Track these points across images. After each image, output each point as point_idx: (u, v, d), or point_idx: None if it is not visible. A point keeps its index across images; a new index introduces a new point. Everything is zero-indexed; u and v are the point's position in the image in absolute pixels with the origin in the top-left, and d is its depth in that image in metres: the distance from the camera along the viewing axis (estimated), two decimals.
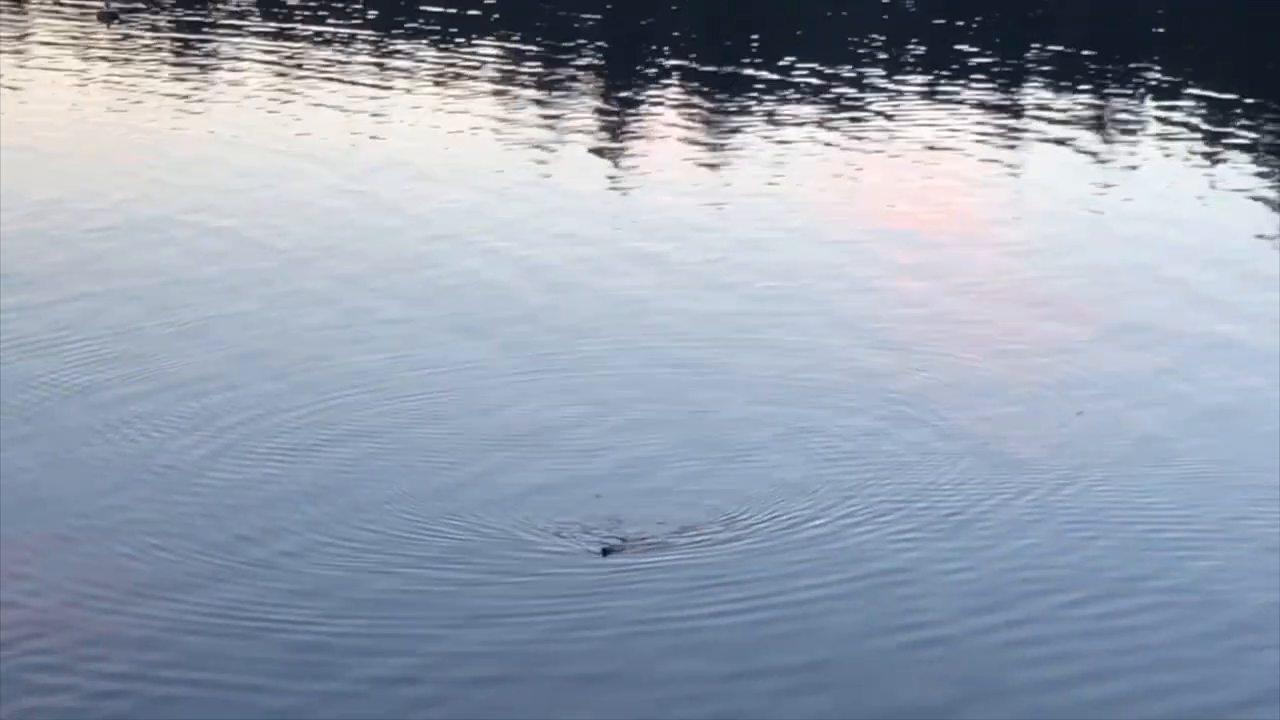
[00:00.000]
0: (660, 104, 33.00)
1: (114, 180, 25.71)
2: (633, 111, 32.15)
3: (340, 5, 44.77)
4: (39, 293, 20.54)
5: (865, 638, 12.53)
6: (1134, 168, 27.02)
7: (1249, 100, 31.90)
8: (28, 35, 41.46)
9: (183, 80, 34.61)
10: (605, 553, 13.65)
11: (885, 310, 20.02)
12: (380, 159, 27.53)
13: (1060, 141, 28.66)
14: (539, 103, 32.69)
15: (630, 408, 17.19)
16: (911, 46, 38.25)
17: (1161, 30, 41.59)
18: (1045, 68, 35.72)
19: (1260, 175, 26.39)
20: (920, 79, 34.65)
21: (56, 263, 21.82)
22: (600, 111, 32.09)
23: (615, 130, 30.32)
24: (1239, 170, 26.65)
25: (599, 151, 28.49)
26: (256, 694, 11.93)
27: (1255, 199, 24.93)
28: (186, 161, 27.02)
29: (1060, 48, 37.39)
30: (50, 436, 16.14)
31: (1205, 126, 29.70)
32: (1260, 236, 23.13)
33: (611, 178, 26.82)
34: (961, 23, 41.73)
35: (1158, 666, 12.24)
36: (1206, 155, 27.61)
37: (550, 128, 30.19)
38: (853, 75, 34.49)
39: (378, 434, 16.25)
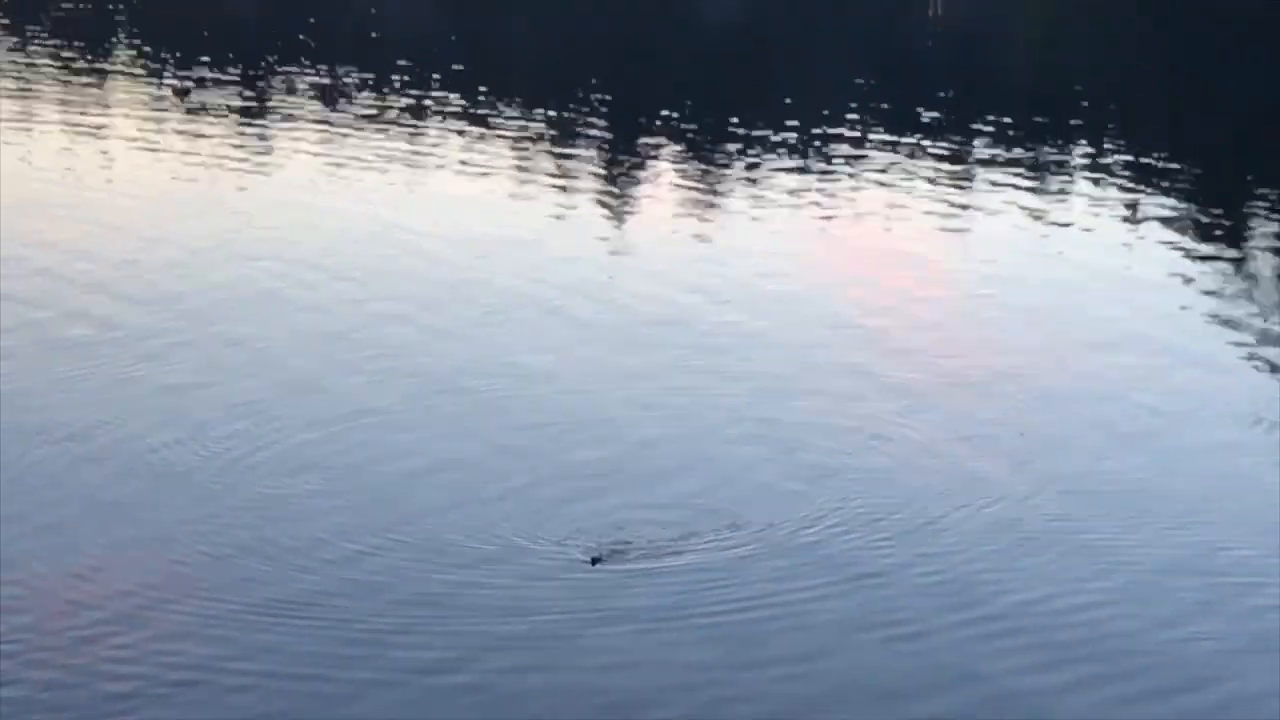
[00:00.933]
0: (655, 162, 33.09)
1: (197, 233, 25.67)
2: (630, 172, 32.19)
3: (369, 80, 44.78)
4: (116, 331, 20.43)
5: (849, 633, 12.60)
6: (1068, 222, 26.96)
7: (1168, 163, 31.86)
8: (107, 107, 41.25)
9: (244, 149, 34.21)
10: (594, 562, 13.59)
11: (854, 346, 19.97)
12: (417, 219, 27.48)
13: (1005, 197, 28.68)
14: (553, 170, 32.42)
15: (627, 434, 17.04)
16: (871, 118, 37.95)
17: (1086, 104, 41.45)
18: (990, 132, 35.30)
19: (1173, 227, 26.46)
20: (882, 142, 34.51)
21: (145, 302, 21.66)
22: (605, 170, 32.24)
23: (618, 189, 30.40)
24: (1156, 221, 26.69)
25: (607, 206, 28.73)
26: (312, 682, 11.94)
27: (1172, 246, 25.11)
28: (253, 214, 27.28)
29: (1004, 117, 37.22)
30: (126, 458, 16.06)
31: (1128, 184, 29.82)
32: (1175, 274, 23.33)
33: (615, 227, 27.08)
34: (915, 95, 41.52)
35: (1105, 655, 12.28)
36: (1128, 206, 27.77)
37: (560, 188, 30.12)
38: (822, 139, 34.50)
39: (408, 456, 16.14)
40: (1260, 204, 28.73)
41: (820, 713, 11.52)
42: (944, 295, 22.73)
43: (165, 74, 46.71)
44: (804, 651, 12.35)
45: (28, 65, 48.97)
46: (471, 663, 12.36)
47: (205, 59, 49.01)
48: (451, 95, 41.59)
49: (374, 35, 56.67)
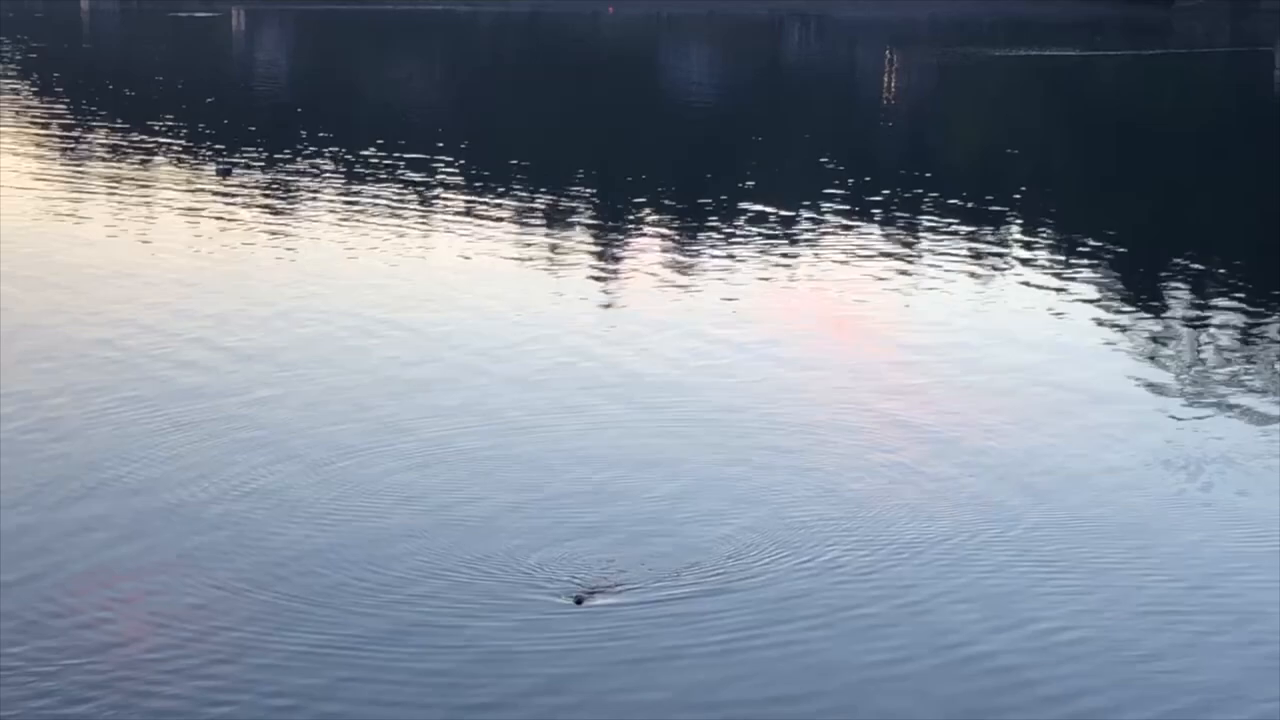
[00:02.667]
0: (636, 231, 33.11)
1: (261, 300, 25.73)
2: (615, 239, 32.14)
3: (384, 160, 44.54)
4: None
5: (836, 661, 12.54)
6: (1002, 289, 27.04)
7: (1093, 242, 31.73)
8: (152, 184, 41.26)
9: (277, 220, 34.52)
10: (578, 601, 13.35)
11: (817, 396, 19.90)
12: (426, 287, 27.66)
13: (947, 265, 28.70)
14: (543, 238, 32.70)
15: (608, 475, 16.91)
16: (829, 193, 37.93)
17: (1024, 188, 41.52)
18: (933, 212, 35.19)
19: (1101, 300, 26.46)
20: (839, 214, 34.64)
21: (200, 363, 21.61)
22: (595, 239, 32.19)
23: (608, 256, 30.29)
24: (1085, 294, 26.64)
25: (601, 272, 28.53)
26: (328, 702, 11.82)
27: (1095, 319, 24.92)
28: (290, 283, 27.32)
29: (946, 198, 37.00)
30: (241, 493, 16.07)
31: (1058, 260, 29.81)
32: (1105, 344, 23.18)
33: (602, 290, 26.74)
34: (869, 178, 41.80)
35: (1064, 660, 12.38)
36: (1058, 278, 27.64)
37: (548, 258, 30.25)
38: (787, 213, 34.46)
39: (419, 498, 16.03)
40: (1175, 273, 28.78)
41: None
42: (889, 354, 22.59)
43: (205, 149, 46.52)
44: (791, 684, 12.14)
45: (83, 140, 49.28)
46: (473, 676, 12.18)
47: (241, 134, 49.33)
48: (460, 168, 41.74)
49: (389, 107, 57.28)
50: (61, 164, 44.18)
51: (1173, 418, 19.38)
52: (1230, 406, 19.75)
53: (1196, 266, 29.37)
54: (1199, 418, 19.26)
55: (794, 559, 14.54)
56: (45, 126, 54.73)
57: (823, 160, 43.86)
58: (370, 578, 14.03)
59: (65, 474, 16.88)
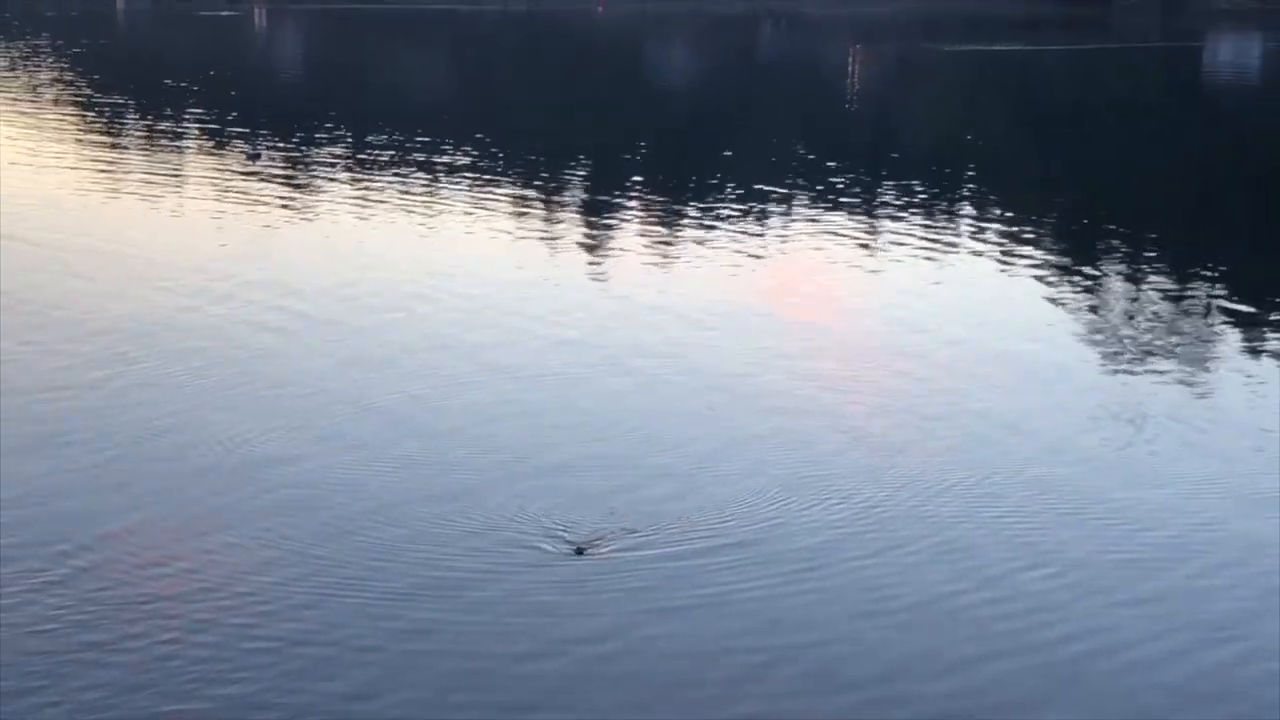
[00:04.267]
0: (627, 210, 32.67)
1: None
2: (608, 217, 31.83)
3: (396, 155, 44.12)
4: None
5: (831, 610, 12.23)
6: (956, 264, 26.98)
7: (1037, 221, 31.99)
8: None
9: (300, 199, 34.34)
10: (579, 552, 13.23)
11: (796, 358, 19.64)
12: (437, 264, 27.59)
13: (905, 241, 28.54)
14: (543, 221, 32.52)
15: (610, 439, 16.73)
16: (799, 174, 38.01)
17: (975, 171, 41.48)
18: (893, 193, 35.35)
19: (1045, 274, 26.35)
20: (808, 194, 34.61)
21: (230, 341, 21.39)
22: (592, 218, 31.99)
23: (604, 232, 30.09)
24: (1030, 268, 26.55)
25: (596, 249, 28.38)
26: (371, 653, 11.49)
27: (1041, 292, 24.84)
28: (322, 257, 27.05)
29: (905, 180, 37.18)
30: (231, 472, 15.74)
31: (1006, 238, 29.71)
32: (1049, 313, 23.17)
33: (594, 268, 26.71)
34: (835, 162, 41.66)
35: (1032, 610, 12.07)
36: (1006, 254, 27.55)
37: (546, 235, 30.16)
38: (761, 193, 34.44)
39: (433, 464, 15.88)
40: (1111, 249, 28.84)
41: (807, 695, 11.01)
42: (840, 322, 22.72)
43: (231, 134, 46.38)
44: (787, 632, 11.82)
45: (120, 127, 48.99)
46: (484, 653, 11.77)
47: (264, 121, 49.13)
48: (464, 152, 41.42)
49: (398, 96, 57.16)
50: (102, 148, 44.02)
51: (1114, 380, 19.46)
52: (1163, 370, 19.77)
53: (1130, 243, 29.41)
54: (1137, 379, 19.30)
55: (799, 508, 14.33)
56: (86, 114, 54.39)
57: (793, 145, 43.89)
58: (427, 528, 13.87)
59: (173, 426, 16.83)
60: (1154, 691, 11.09)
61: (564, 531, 13.68)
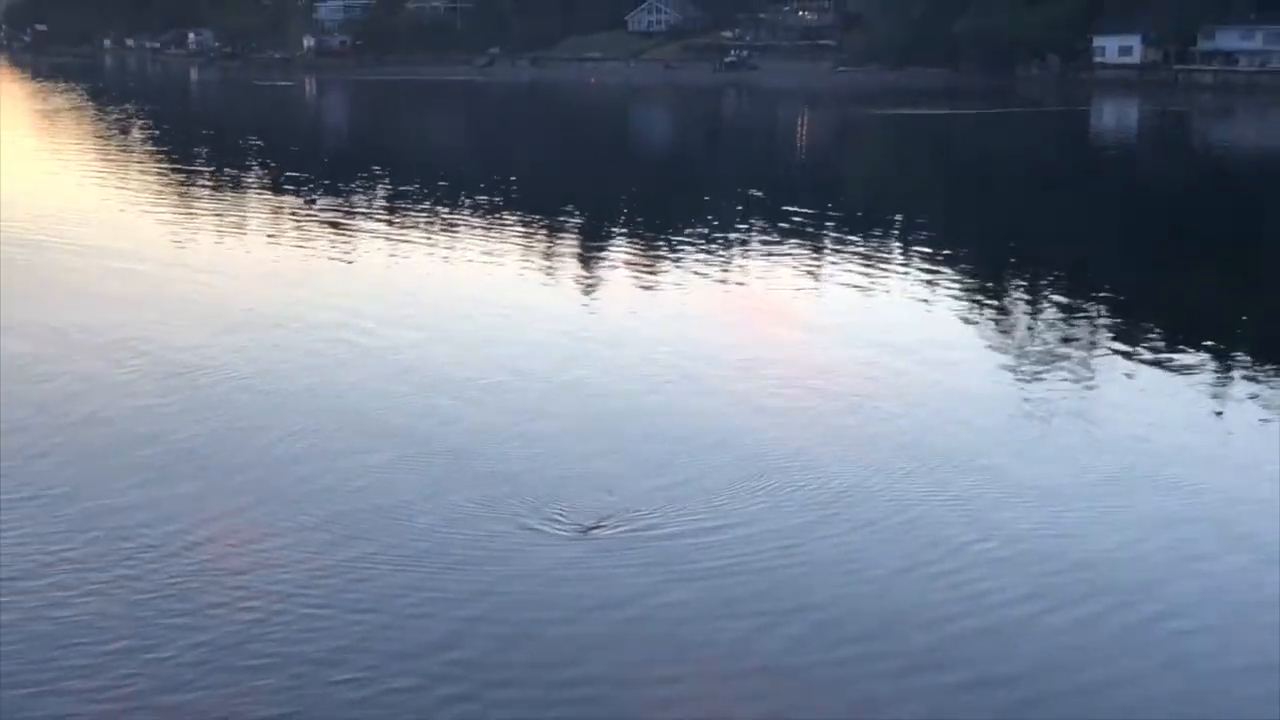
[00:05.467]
0: (614, 248, 32.70)
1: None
2: (599, 254, 31.83)
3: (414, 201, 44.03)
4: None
5: (818, 578, 12.14)
6: (887, 289, 26.78)
7: (953, 253, 32.05)
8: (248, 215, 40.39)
9: (347, 238, 34.17)
10: (587, 530, 13.10)
11: (770, 367, 19.56)
12: (456, 295, 27.40)
13: (844, 273, 28.45)
14: (546, 254, 32.30)
15: (610, 439, 16.50)
16: (756, 216, 38.00)
17: (902, 213, 41.47)
18: (835, 230, 35.60)
19: (961, 297, 26.39)
20: (764, 232, 34.34)
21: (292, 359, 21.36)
22: (584, 254, 31.80)
23: (597, 267, 30.03)
24: (949, 293, 26.40)
25: (590, 280, 28.30)
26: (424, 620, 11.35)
27: (957, 312, 24.78)
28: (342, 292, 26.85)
29: (845, 220, 37.38)
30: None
31: (928, 268, 29.50)
32: (964, 330, 23.02)
33: (586, 294, 26.52)
34: (786, 205, 41.60)
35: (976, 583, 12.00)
36: (928, 286, 27.35)
37: (548, 267, 29.98)
38: (724, 231, 34.35)
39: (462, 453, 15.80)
40: (1014, 277, 28.78)
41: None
42: (798, 336, 22.57)
43: (288, 182, 46.10)
44: (780, 598, 11.68)
45: (193, 175, 48.78)
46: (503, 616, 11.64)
47: (314, 171, 48.96)
48: (478, 197, 41.22)
49: (425, 151, 57.16)
50: (178, 194, 43.55)
51: (1023, 383, 19.42)
52: (1061, 378, 19.70)
53: (1031, 272, 29.30)
54: (1042, 385, 19.23)
55: (774, 489, 14.27)
56: (166, 165, 54.27)
57: (750, 193, 43.80)
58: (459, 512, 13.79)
59: (262, 424, 16.78)
60: (1088, 640, 11.16)
61: (576, 513, 13.48)
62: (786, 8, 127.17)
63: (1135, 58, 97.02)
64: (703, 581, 12.10)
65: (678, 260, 30.17)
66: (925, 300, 25.81)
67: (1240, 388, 19.26)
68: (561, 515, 13.56)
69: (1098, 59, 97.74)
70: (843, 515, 13.72)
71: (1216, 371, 20.08)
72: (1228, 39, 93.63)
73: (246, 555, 12.75)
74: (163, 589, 11.95)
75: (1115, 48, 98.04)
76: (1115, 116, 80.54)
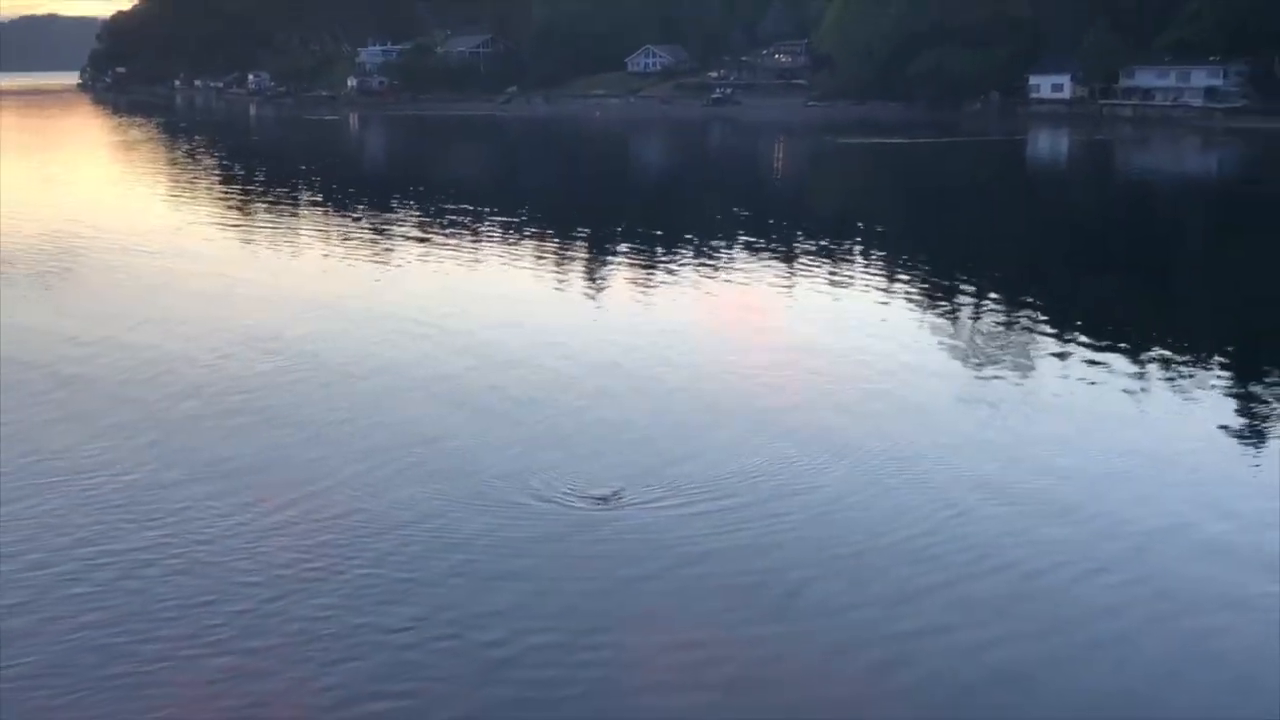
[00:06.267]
0: (614, 257, 32.59)
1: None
2: (602, 266, 31.65)
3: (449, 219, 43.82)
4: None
5: (810, 549, 11.98)
6: (852, 297, 26.38)
7: (910, 264, 31.91)
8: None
9: (387, 253, 33.98)
10: (603, 500, 13.08)
11: (761, 368, 19.56)
12: (474, 304, 27.04)
13: (813, 281, 28.20)
14: (556, 267, 32.15)
15: (619, 426, 16.37)
16: (739, 233, 37.97)
17: (865, 229, 41.44)
18: (807, 245, 35.57)
19: (917, 303, 26.16)
20: (745, 247, 34.15)
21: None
22: (591, 266, 31.75)
23: (601, 277, 29.91)
24: (907, 300, 26.41)
25: (597, 287, 28.20)
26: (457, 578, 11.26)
27: (913, 317, 24.55)
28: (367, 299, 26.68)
29: (815, 236, 37.21)
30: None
31: (887, 276, 29.23)
32: (920, 331, 22.92)
33: (591, 300, 26.39)
34: (766, 222, 41.48)
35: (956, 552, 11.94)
36: (887, 289, 27.32)
37: (560, 277, 29.78)
38: (711, 245, 34.18)
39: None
40: (963, 285, 28.52)
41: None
42: (778, 335, 22.46)
43: (334, 204, 46.07)
44: (772, 560, 11.59)
45: (253, 198, 48.76)
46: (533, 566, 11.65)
47: (357, 194, 48.90)
48: (499, 216, 40.94)
49: (452, 176, 57.01)
50: (241, 214, 43.56)
51: (973, 372, 19.40)
52: (1003, 372, 19.68)
53: (977, 281, 29.02)
54: (985, 379, 19.16)
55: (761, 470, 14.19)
56: (230, 186, 54.15)
57: (734, 210, 43.64)
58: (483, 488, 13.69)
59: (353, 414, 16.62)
60: (1028, 588, 11.21)
61: (593, 490, 13.39)
62: (765, 51, 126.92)
63: (1066, 94, 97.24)
64: (705, 544, 12.03)
65: (672, 268, 30.03)
66: (885, 303, 25.65)
67: (1155, 372, 19.31)
68: (580, 490, 13.44)
69: (1033, 95, 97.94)
70: (826, 486, 13.67)
71: (1136, 361, 20.06)
72: (1145, 78, 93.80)
73: (342, 524, 12.61)
74: (241, 547, 11.96)
75: (1048, 85, 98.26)
76: (1048, 145, 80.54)
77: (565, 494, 13.22)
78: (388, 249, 33.85)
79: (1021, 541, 12.33)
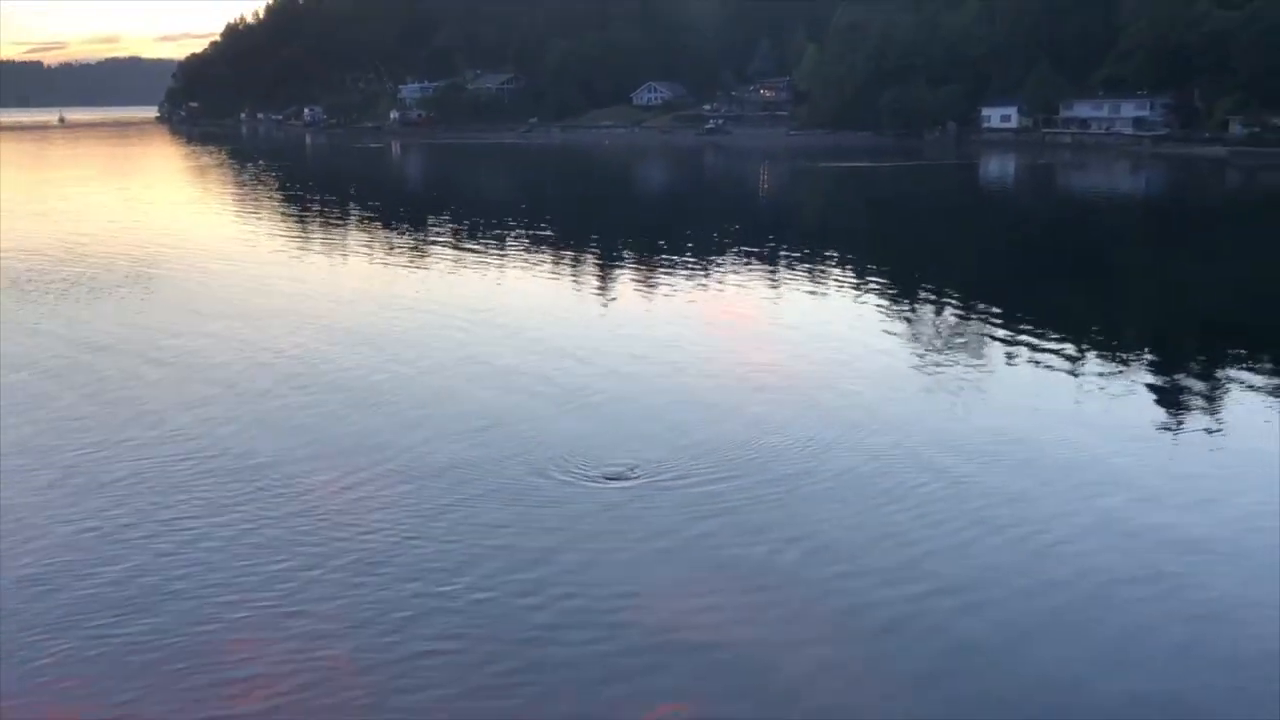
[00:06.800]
0: (619, 266, 32.37)
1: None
2: (607, 272, 31.54)
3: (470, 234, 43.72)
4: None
5: (811, 514, 11.94)
6: (827, 301, 26.26)
7: (877, 271, 31.77)
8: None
9: (427, 264, 33.61)
10: (609, 479, 12.85)
11: (746, 362, 19.40)
12: (494, 307, 26.85)
13: (794, 289, 28.20)
14: (563, 273, 31.96)
15: (615, 414, 16.32)
16: (729, 244, 37.84)
17: (838, 241, 41.25)
18: (788, 256, 35.42)
19: (883, 304, 25.86)
20: (736, 256, 34.07)
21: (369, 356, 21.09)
22: (602, 274, 31.52)
23: (609, 283, 29.74)
24: (876, 301, 26.03)
25: (603, 293, 28.01)
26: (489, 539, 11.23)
27: (881, 315, 24.43)
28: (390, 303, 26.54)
29: (795, 248, 37.00)
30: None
31: (858, 286, 29.18)
32: (886, 330, 22.78)
33: (598, 303, 26.38)
34: (752, 235, 41.31)
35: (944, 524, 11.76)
36: (857, 292, 27.13)
37: (576, 284, 29.81)
38: (704, 256, 34.00)
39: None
40: (923, 290, 28.43)
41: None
42: (767, 333, 22.46)
43: (378, 221, 45.85)
44: (779, 528, 11.49)
45: (308, 215, 48.66)
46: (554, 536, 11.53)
47: (399, 212, 48.78)
48: (522, 231, 40.81)
49: (482, 196, 57.02)
50: (301, 227, 43.60)
51: (935, 366, 19.24)
52: (960, 359, 19.65)
53: (935, 286, 28.84)
54: (944, 369, 19.07)
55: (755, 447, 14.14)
56: (289, 204, 53.90)
57: (724, 224, 43.52)
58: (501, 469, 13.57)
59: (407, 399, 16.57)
60: (1025, 550, 11.16)
61: (611, 466, 13.39)
62: (752, 87, 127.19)
63: (1013, 124, 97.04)
64: (719, 518, 11.92)
65: (671, 275, 29.88)
66: (857, 305, 25.51)
67: (1092, 365, 19.24)
68: (598, 468, 13.37)
69: (985, 125, 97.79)
70: (824, 466, 13.59)
71: (1074, 356, 20.00)
72: (1082, 109, 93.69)
73: (395, 497, 12.46)
74: (303, 522, 11.92)
75: (998, 116, 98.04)
76: (998, 168, 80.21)
77: (587, 474, 13.12)
78: (427, 257, 33.83)
79: (998, 510, 12.27)
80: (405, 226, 43.61)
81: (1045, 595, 10.31)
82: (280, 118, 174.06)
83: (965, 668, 8.94)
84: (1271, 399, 16.87)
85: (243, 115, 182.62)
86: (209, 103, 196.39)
